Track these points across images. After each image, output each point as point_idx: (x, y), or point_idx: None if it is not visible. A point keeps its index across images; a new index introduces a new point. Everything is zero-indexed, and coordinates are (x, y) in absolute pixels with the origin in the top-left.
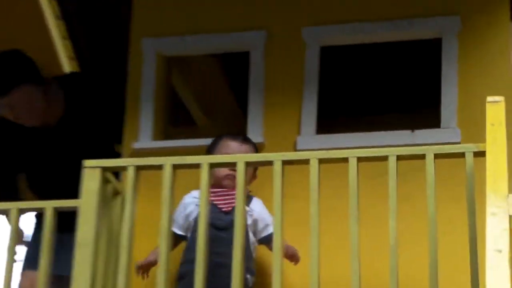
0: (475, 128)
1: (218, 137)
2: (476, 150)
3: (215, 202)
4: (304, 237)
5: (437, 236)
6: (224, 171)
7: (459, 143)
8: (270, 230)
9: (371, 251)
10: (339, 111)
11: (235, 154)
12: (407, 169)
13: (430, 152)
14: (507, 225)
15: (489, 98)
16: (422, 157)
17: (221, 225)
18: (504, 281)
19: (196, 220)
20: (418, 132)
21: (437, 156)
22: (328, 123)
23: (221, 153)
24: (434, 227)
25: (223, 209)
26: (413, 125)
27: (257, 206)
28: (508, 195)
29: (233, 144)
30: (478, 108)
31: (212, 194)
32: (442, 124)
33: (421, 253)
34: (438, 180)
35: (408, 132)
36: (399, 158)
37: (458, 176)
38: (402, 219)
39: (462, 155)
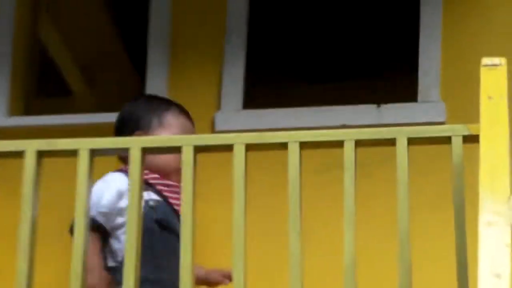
0: (466, 102)
1: (162, 102)
2: (466, 133)
3: (171, 201)
4: (224, 254)
5: (411, 254)
6: (177, 160)
7: (443, 123)
8: None
9: (319, 272)
10: (277, 76)
11: (183, 134)
12: (370, 159)
13: (402, 135)
14: (508, 239)
15: (485, 61)
16: (391, 142)
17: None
18: None
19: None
20: (386, 107)
21: (412, 141)
22: (260, 93)
23: (168, 129)
24: (406, 240)
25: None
26: (379, 97)
27: None
28: (510, 197)
29: (183, 120)
30: (470, 74)
31: (165, 188)
32: (419, 97)
33: (388, 276)
34: (413, 175)
35: (372, 106)
36: (358, 143)
37: (441, 170)
38: (363, 228)
39: (447, 140)
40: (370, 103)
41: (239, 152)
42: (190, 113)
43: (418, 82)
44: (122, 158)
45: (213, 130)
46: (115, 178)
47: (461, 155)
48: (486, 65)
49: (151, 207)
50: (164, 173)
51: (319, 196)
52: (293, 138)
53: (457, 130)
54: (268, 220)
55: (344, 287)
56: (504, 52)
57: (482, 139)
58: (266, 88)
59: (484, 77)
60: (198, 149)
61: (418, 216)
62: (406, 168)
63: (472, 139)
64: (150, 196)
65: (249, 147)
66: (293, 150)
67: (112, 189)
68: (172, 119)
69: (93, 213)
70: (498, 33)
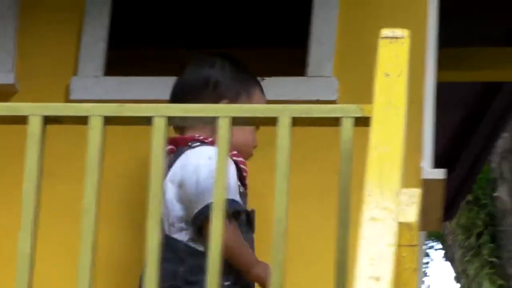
0: (362, 80)
1: (247, 74)
2: (359, 114)
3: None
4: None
5: (286, 254)
6: (253, 137)
7: (335, 102)
8: None
9: None
10: (149, 39)
11: None
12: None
13: (285, 114)
14: (392, 239)
15: (384, 32)
16: (273, 121)
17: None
18: None
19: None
20: (271, 80)
21: (297, 121)
22: (126, 58)
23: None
24: (282, 238)
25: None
26: (264, 70)
27: None
28: (399, 191)
29: (265, 102)
30: (369, 48)
31: (244, 174)
32: (309, 71)
33: None
34: (297, 159)
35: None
36: (235, 121)
37: (331, 155)
38: None
39: (336, 121)
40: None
41: (95, 125)
42: (40, 77)
43: (308, 54)
44: (180, 127)
45: (67, 99)
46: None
47: (351, 140)
48: (385, 37)
49: (242, 195)
50: (243, 155)
51: None
52: (159, 112)
53: (348, 111)
54: (126, 206)
55: None
56: (413, 27)
57: (373, 122)
58: (134, 52)
59: (382, 51)
60: (49, 120)
61: (301, 206)
62: (288, 152)
63: (365, 122)
64: (239, 181)
65: (108, 120)
66: (159, 126)
67: (231, 173)
68: (258, 97)
69: (233, 196)
70: (409, 4)
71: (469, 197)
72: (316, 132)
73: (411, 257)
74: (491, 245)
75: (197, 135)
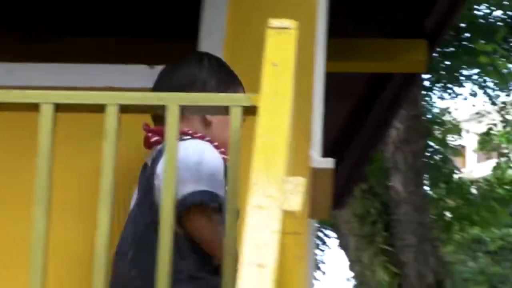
0: (253, 68)
1: (229, 71)
2: (247, 104)
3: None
4: None
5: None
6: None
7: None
8: None
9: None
10: (34, 25)
11: None
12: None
13: (174, 102)
14: (276, 226)
15: (272, 22)
16: (162, 109)
17: None
18: None
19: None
20: (159, 69)
21: (186, 109)
22: (12, 44)
23: None
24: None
25: None
26: (155, 58)
27: None
28: (285, 180)
29: None
30: (259, 37)
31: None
32: None
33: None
34: None
35: (144, 67)
36: (124, 109)
37: None
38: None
39: (225, 110)
40: (143, 63)
41: None
42: None
43: (198, 45)
44: (158, 117)
45: None
46: (213, 149)
47: (240, 129)
48: (273, 27)
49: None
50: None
51: (82, 168)
52: (46, 99)
53: (236, 100)
54: (11, 196)
55: None
56: (299, 16)
57: (260, 112)
58: (20, 38)
59: (269, 41)
60: None
61: None
62: (175, 136)
63: (253, 111)
64: None
65: None
66: (46, 113)
67: (220, 171)
68: (239, 90)
69: (218, 190)
70: None
71: (364, 187)
72: None
73: (296, 245)
74: (385, 233)
75: (186, 129)
